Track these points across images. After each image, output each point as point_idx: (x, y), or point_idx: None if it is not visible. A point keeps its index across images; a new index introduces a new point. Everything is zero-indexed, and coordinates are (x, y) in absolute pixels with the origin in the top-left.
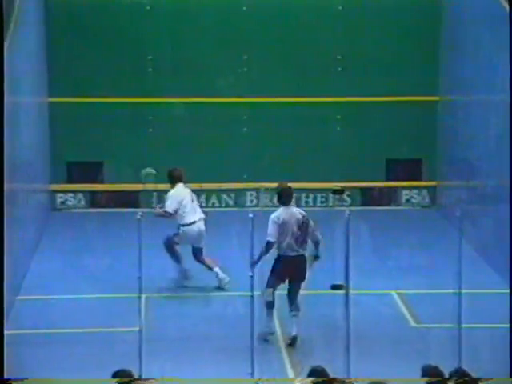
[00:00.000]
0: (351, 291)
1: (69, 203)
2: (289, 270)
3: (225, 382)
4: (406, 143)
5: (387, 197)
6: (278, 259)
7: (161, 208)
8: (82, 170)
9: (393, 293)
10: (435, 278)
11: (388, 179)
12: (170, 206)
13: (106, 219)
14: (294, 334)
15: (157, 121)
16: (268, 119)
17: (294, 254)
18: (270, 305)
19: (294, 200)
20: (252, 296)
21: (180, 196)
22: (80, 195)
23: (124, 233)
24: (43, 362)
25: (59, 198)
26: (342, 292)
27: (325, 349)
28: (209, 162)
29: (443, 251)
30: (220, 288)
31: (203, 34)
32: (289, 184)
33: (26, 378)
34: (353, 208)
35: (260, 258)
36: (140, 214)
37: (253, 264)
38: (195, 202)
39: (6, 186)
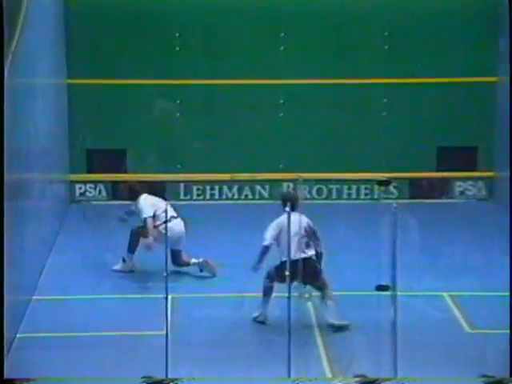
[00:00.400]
0: (398, 293)
1: (89, 194)
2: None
3: (261, 380)
4: (460, 129)
5: (438, 188)
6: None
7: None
8: (104, 159)
9: (444, 295)
10: (491, 279)
11: (439, 169)
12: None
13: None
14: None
15: (185, 105)
16: (307, 103)
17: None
18: (266, 291)
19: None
20: (288, 298)
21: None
22: (101, 186)
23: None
24: (61, 367)
25: (78, 188)
26: (388, 293)
27: (370, 355)
28: (241, 150)
29: (501, 249)
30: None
31: (236, 8)
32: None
33: (26, 378)
34: (400, 201)
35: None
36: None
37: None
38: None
39: (20, 177)
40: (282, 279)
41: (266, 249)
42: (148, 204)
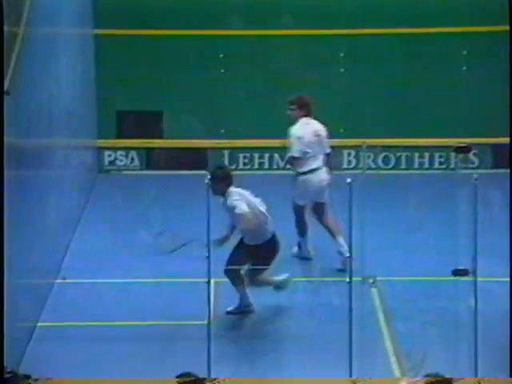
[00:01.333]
0: (479, 278)
1: (119, 163)
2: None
3: (317, 382)
4: None
5: None
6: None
7: None
8: (136, 122)
9: None
10: None
11: None
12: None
13: (166, 183)
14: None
15: (231, 59)
16: (371, 57)
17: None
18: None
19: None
20: (350, 282)
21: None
22: (133, 153)
23: (189, 201)
24: (85, 362)
25: (108, 156)
26: (467, 279)
27: (446, 350)
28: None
29: None
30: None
31: None
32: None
33: (26, 378)
34: (482, 171)
35: None
36: (209, 176)
37: None
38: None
39: (41, 142)
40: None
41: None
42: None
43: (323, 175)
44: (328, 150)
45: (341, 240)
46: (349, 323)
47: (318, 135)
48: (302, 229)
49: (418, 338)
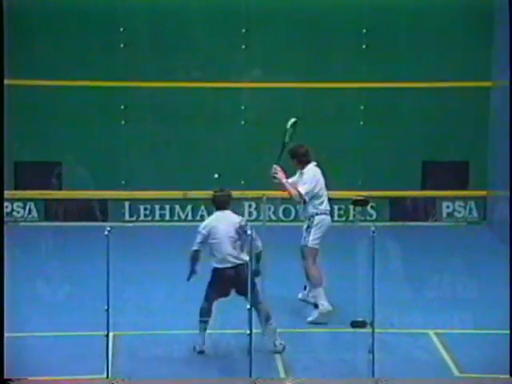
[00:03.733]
0: (377, 330)
1: (16, 214)
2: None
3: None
4: (449, 141)
5: (423, 210)
6: (215, 271)
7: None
8: (34, 173)
9: (430, 332)
10: (484, 315)
11: (425, 187)
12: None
13: (65, 235)
14: (278, 342)
15: (132, 111)
16: (269, 109)
17: (231, 264)
18: (203, 314)
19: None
20: (250, 334)
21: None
22: (31, 204)
23: (88, 254)
24: None
25: (4, 207)
26: (365, 330)
27: None
28: (196, 164)
29: (495, 280)
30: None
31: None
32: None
33: (26, 378)
34: (379, 223)
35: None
36: (109, 228)
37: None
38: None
39: None
40: (221, 290)
41: (194, 253)
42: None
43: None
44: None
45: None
46: (249, 374)
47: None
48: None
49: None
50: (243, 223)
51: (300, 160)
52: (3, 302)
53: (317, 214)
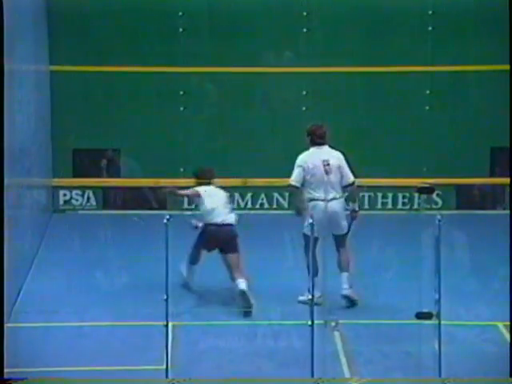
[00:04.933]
0: (443, 322)
1: (75, 202)
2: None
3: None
4: None
5: (492, 197)
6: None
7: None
8: (93, 161)
9: (499, 325)
10: None
11: (493, 174)
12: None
13: (123, 224)
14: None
15: (191, 97)
16: (333, 95)
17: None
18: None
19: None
20: (312, 325)
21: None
22: (89, 192)
23: (147, 242)
24: None
25: (63, 195)
26: (431, 322)
27: None
28: (257, 151)
29: None
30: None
31: None
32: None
33: (26, 378)
34: (445, 212)
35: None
36: (168, 217)
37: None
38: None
39: None
40: (206, 245)
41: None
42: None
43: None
44: (347, 181)
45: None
46: (311, 367)
47: (326, 164)
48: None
49: (380, 382)
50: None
51: (308, 139)
52: (3, 299)
53: (310, 200)
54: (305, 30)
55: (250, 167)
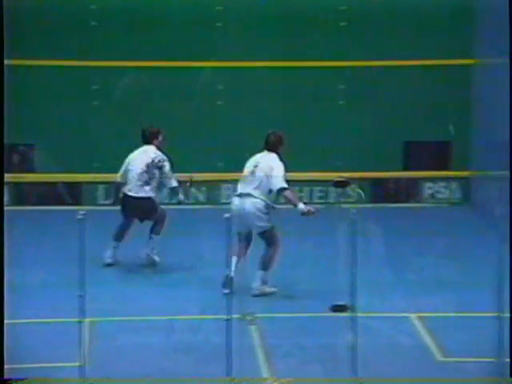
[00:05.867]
0: (358, 314)
1: None
2: (131, 209)
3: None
4: (431, 121)
5: (405, 191)
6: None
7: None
8: (5, 156)
9: (412, 316)
10: (468, 297)
11: (407, 168)
12: None
13: (37, 220)
14: (148, 252)
15: (104, 91)
16: (249, 90)
17: (134, 194)
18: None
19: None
20: (229, 320)
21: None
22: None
23: (61, 239)
24: None
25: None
26: (346, 315)
27: None
28: (173, 146)
29: (479, 261)
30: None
31: None
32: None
33: (26, 378)
34: (361, 205)
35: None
36: (82, 212)
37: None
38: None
39: None
40: (123, 214)
41: (117, 184)
42: None
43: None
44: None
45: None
46: (227, 361)
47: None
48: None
49: (298, 375)
50: (156, 160)
51: None
52: (3, 299)
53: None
54: (219, 24)
55: None
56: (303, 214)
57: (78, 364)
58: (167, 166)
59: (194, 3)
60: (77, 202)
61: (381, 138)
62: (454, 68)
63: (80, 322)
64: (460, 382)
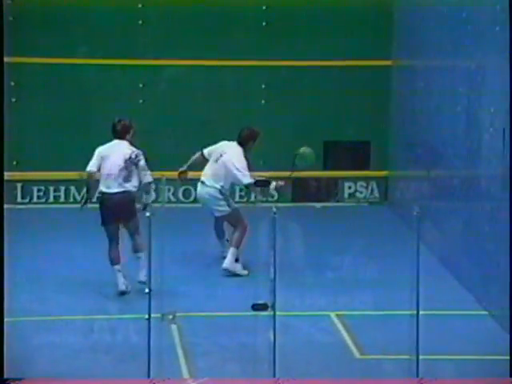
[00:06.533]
0: (278, 313)
1: None
2: (112, 208)
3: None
4: (350, 121)
5: (325, 190)
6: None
7: None
8: None
9: (332, 315)
10: (386, 296)
11: (326, 168)
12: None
13: None
14: (141, 279)
15: (22, 88)
16: (170, 88)
17: (114, 190)
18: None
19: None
20: (149, 318)
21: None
22: None
23: None
24: None
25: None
26: (266, 313)
27: None
28: (93, 142)
29: (397, 260)
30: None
31: None
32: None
33: (25, 378)
34: (281, 204)
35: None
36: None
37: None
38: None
39: None
40: (104, 217)
41: (88, 174)
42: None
43: None
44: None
45: None
46: (147, 361)
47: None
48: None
49: (216, 373)
50: (133, 156)
51: None
52: (3, 299)
53: None
54: (140, 22)
55: (84, 160)
56: (275, 189)
57: None
58: (143, 160)
59: (115, 1)
60: None
61: (301, 137)
62: (372, 68)
63: None
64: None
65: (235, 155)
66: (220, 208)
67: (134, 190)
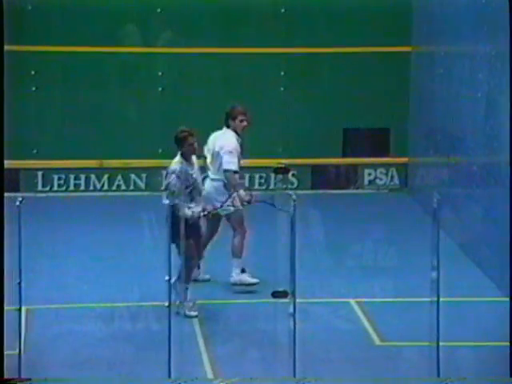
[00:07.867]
0: (298, 300)
1: None
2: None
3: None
4: (370, 108)
5: (345, 177)
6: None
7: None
8: None
9: (351, 302)
10: (406, 283)
11: (346, 155)
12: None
13: None
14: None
15: (42, 76)
16: (189, 76)
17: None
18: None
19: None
20: (169, 306)
21: None
22: None
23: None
24: None
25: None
26: (285, 301)
27: (265, 374)
28: (112, 132)
29: (417, 247)
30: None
31: None
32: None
33: (26, 378)
34: (300, 191)
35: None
36: (20, 199)
37: None
38: None
39: None
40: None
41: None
42: None
43: None
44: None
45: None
46: (168, 348)
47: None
48: None
49: (237, 361)
50: None
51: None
52: (3, 300)
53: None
54: (159, 10)
55: (105, 148)
56: (243, 201)
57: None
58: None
59: None
60: (14, 188)
61: (321, 124)
62: (391, 55)
63: (19, 310)
64: (460, 382)
65: (223, 139)
66: (224, 204)
67: None
